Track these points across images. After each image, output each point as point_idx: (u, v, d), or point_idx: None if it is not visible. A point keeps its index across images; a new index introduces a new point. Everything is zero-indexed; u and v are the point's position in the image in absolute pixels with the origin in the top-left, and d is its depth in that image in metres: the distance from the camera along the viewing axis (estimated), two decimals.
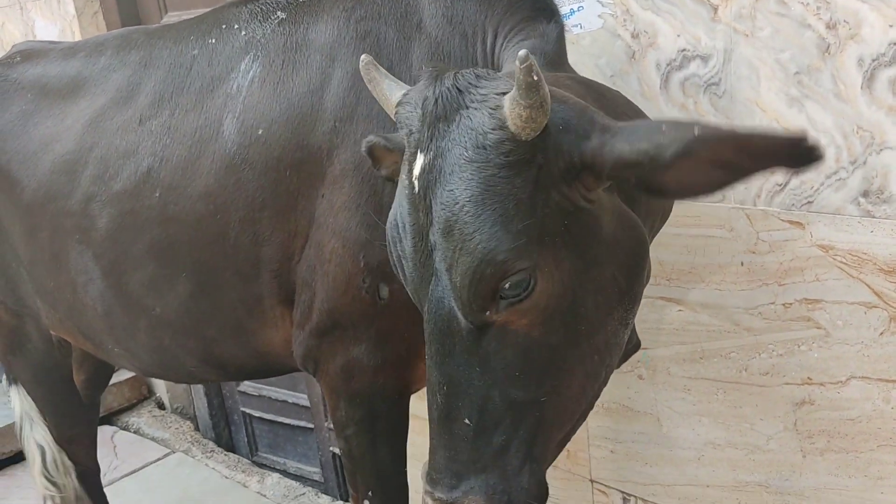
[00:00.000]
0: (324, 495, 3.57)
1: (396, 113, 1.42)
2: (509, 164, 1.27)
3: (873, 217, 1.86)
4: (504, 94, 1.29)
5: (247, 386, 4.30)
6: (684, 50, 2.06)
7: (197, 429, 4.36)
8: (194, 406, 4.47)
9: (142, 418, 4.48)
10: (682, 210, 2.08)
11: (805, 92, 1.88)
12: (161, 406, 4.61)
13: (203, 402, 4.38)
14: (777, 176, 1.98)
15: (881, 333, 1.92)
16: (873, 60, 1.77)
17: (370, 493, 1.99)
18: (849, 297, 1.94)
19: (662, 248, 2.24)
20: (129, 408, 4.59)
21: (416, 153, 1.34)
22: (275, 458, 4.31)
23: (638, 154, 1.25)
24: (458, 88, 1.32)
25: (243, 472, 3.77)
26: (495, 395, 1.34)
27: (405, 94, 1.43)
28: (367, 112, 1.75)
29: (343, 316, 1.80)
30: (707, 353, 2.26)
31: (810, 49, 1.86)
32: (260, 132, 1.84)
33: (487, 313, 1.30)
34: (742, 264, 2.11)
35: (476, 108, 1.30)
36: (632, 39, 2.15)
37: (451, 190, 1.27)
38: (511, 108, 1.25)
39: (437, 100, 1.33)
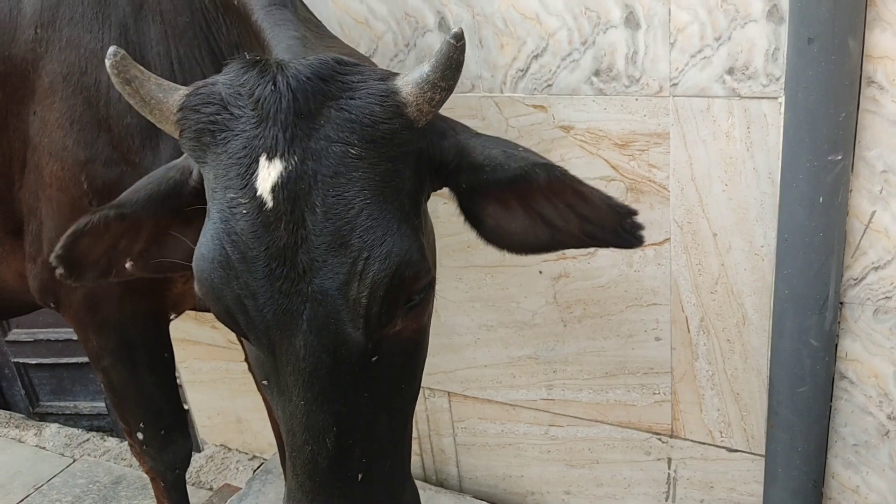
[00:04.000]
0: (110, 438, 3.41)
1: (181, 118, 1.17)
2: (402, 156, 1.16)
3: (605, 95, 1.96)
4: (384, 79, 1.16)
5: (18, 333, 3.96)
6: None
7: None
8: None
9: None
10: None
11: None
12: None
13: None
14: (519, 62, 2.03)
15: None
16: None
17: (142, 425, 1.91)
18: (590, 172, 2.07)
19: None
20: None
21: (255, 162, 1.11)
22: (62, 404, 4.05)
23: (486, 158, 1.23)
24: (320, 78, 1.13)
25: (17, 427, 3.50)
26: (382, 417, 1.22)
27: (195, 92, 1.18)
28: (70, 14, 1.56)
29: None
30: (473, 242, 2.30)
31: None
32: None
33: (392, 324, 1.16)
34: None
35: (355, 99, 1.14)
36: None
37: (341, 195, 1.09)
38: (420, 90, 1.13)
39: (293, 94, 1.11)
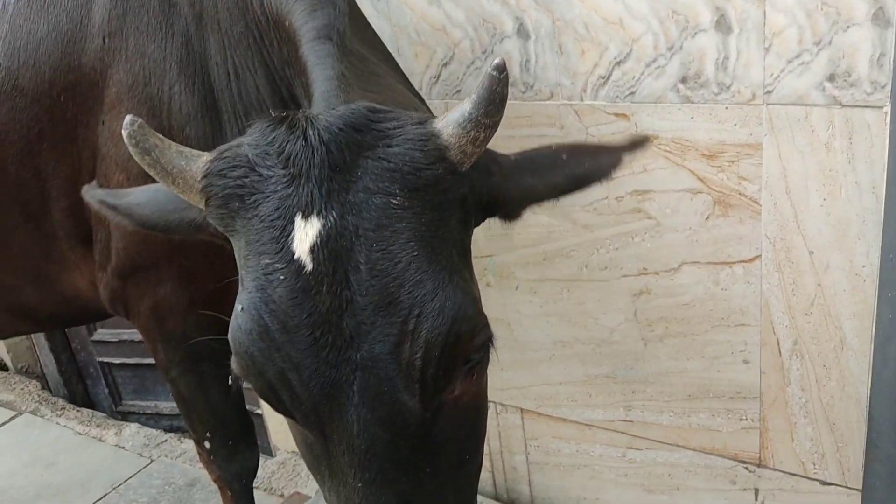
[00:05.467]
0: (187, 439, 3.45)
1: (206, 185, 1.09)
2: (447, 203, 1.08)
3: (692, 103, 1.85)
4: (422, 123, 1.08)
5: (103, 333, 4.06)
6: None
7: (45, 387, 4.10)
8: (41, 364, 4.19)
9: None
10: (513, 111, 2.02)
11: None
12: (3, 367, 4.30)
13: (50, 359, 4.12)
14: (600, 69, 1.94)
15: (707, 218, 1.95)
16: None
17: (209, 434, 1.90)
18: (675, 184, 1.95)
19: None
20: None
21: (290, 223, 1.03)
22: (143, 404, 4.12)
23: (550, 189, 1.22)
24: (353, 128, 1.06)
25: (98, 426, 3.58)
26: (448, 495, 1.14)
27: (219, 157, 1.10)
28: (136, 24, 1.56)
29: (140, 256, 1.66)
30: (549, 254, 2.25)
31: None
32: (28, 54, 1.63)
33: (450, 388, 1.07)
34: None
35: (393, 146, 1.06)
36: None
37: (385, 249, 1.01)
38: (463, 131, 1.05)
39: (326, 147, 1.03)
